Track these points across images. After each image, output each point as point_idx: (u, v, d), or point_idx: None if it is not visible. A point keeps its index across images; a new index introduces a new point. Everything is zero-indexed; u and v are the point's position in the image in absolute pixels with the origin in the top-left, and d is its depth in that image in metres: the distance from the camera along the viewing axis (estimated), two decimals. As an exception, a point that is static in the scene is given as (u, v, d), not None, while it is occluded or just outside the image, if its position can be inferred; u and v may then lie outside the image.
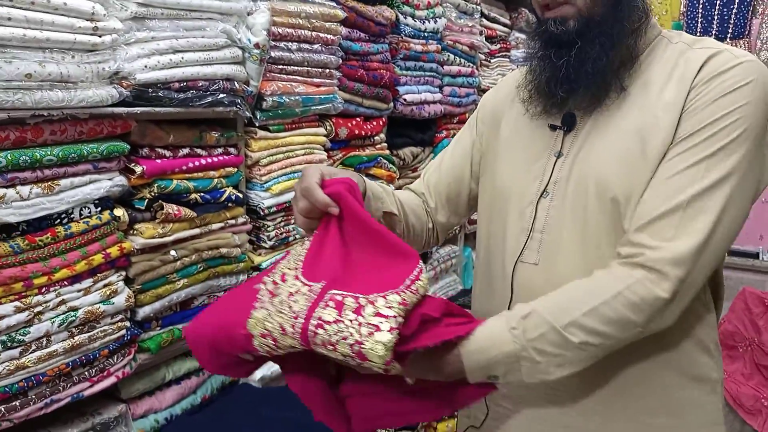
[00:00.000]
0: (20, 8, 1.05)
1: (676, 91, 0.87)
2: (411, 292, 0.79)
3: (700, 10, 4.01)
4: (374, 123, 2.03)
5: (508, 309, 0.94)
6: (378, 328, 0.73)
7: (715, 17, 3.97)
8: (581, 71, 0.88)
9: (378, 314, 0.75)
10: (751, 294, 2.74)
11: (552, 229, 0.94)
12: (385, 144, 2.13)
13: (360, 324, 0.74)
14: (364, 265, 0.84)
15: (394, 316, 0.74)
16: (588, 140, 0.92)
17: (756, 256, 3.20)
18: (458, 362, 0.83)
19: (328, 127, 1.85)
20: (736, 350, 2.75)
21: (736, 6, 3.89)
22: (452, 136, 2.50)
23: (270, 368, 1.77)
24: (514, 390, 0.98)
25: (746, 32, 3.90)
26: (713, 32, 3.97)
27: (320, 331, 0.75)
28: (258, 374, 1.74)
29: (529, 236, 0.96)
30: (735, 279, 3.13)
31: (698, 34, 3.47)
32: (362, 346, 0.73)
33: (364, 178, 1.00)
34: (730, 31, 3.93)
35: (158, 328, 1.44)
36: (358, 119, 1.96)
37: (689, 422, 0.94)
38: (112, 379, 1.33)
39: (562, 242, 0.92)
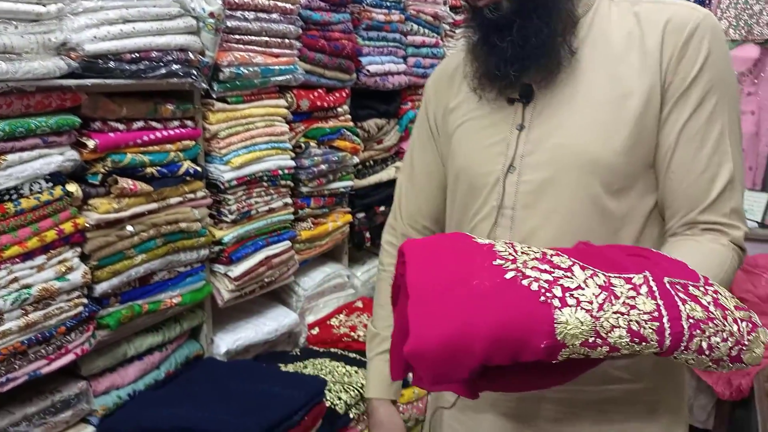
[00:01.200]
0: (-46, -25, 1.00)
1: (640, 55, 0.87)
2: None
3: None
4: (337, 94, 2.01)
5: None
6: (754, 324, 0.62)
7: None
8: (527, 47, 0.87)
9: (738, 307, 0.64)
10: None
11: (522, 205, 0.92)
12: (349, 116, 2.11)
13: (735, 320, 0.62)
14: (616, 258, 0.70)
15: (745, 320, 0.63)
16: (550, 110, 0.91)
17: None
18: None
19: (289, 99, 1.82)
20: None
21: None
22: (417, 108, 2.49)
23: (235, 341, 1.77)
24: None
25: None
26: None
27: (697, 332, 0.60)
28: (223, 347, 1.74)
29: (499, 213, 0.94)
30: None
31: None
32: (743, 348, 0.61)
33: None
34: None
35: (117, 305, 1.42)
36: (320, 91, 1.94)
37: (657, 386, 0.95)
38: (70, 357, 1.31)
39: (535, 217, 0.91)
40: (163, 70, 1.37)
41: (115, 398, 1.45)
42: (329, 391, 1.73)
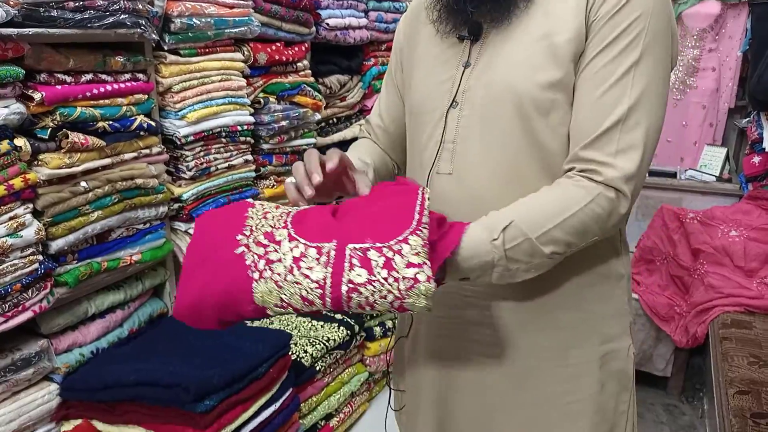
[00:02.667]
0: None
1: None
2: (425, 226, 0.76)
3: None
4: (296, 48, 1.98)
5: None
6: (416, 280, 0.71)
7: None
8: None
9: (410, 264, 0.72)
10: (668, 211, 2.91)
11: (462, 138, 0.95)
12: (309, 71, 2.08)
13: (396, 279, 0.71)
14: (361, 210, 0.81)
15: (425, 263, 0.72)
16: (494, 48, 0.93)
17: (674, 175, 3.37)
18: (440, 270, 0.84)
19: (246, 53, 1.79)
20: (654, 264, 2.93)
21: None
22: (381, 64, 2.47)
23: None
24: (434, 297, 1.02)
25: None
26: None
27: (354, 295, 0.71)
28: (187, 305, 1.74)
29: (440, 147, 0.98)
30: (655, 198, 3.29)
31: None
32: (404, 301, 0.71)
33: (348, 155, 1.01)
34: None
35: (75, 262, 1.40)
36: (278, 44, 1.91)
37: (593, 315, 1.00)
38: (28, 314, 1.30)
39: (473, 151, 0.95)
40: (110, 20, 1.33)
41: (77, 356, 1.45)
42: (295, 344, 1.75)
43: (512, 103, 0.90)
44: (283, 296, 0.72)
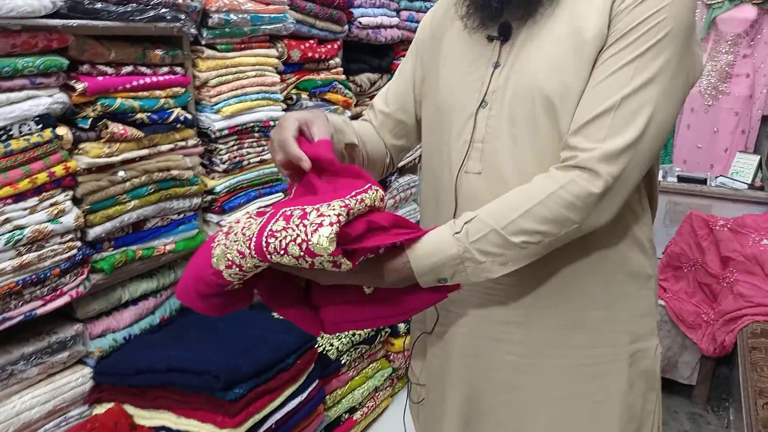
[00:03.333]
0: None
1: None
2: (356, 200, 0.82)
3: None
4: (328, 46, 2.00)
5: (454, 218, 0.98)
6: (321, 225, 0.78)
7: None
8: None
9: (321, 215, 0.79)
10: (697, 217, 2.87)
11: (491, 138, 0.96)
12: (341, 69, 2.10)
13: (305, 225, 0.79)
14: (323, 193, 0.88)
15: (337, 215, 0.79)
16: (524, 49, 0.94)
17: (704, 182, 3.32)
18: (408, 269, 0.87)
19: (280, 49, 1.81)
20: (681, 270, 2.89)
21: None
22: (410, 63, 2.48)
23: (228, 290, 1.80)
24: (458, 293, 1.03)
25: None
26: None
27: (271, 240, 0.80)
28: (216, 296, 1.77)
29: (470, 146, 0.98)
30: (684, 204, 3.24)
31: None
32: (309, 242, 0.77)
33: (326, 112, 1.03)
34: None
35: (111, 249, 1.44)
36: (312, 42, 1.93)
37: (621, 314, 1.00)
38: (65, 299, 1.34)
39: (503, 150, 0.95)
40: (151, 13, 1.37)
41: (111, 341, 1.48)
42: (321, 337, 1.77)
43: (540, 103, 0.91)
44: (228, 254, 0.83)
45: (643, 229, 1.00)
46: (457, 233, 0.87)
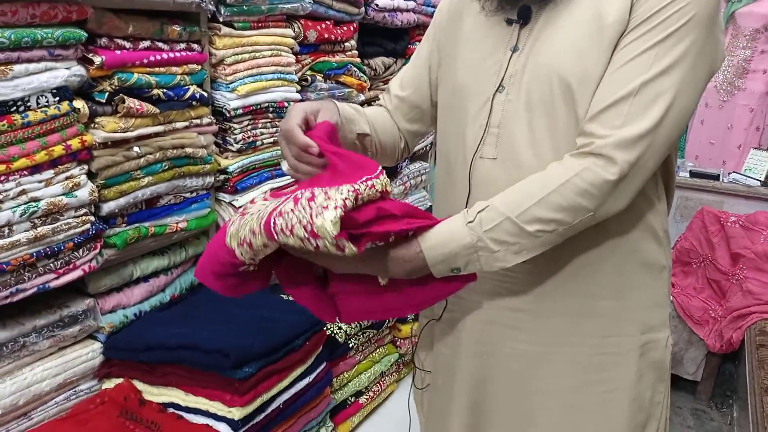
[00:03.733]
0: None
1: None
2: (366, 185, 0.82)
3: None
4: (345, 28, 1.98)
5: (467, 204, 0.97)
6: (326, 208, 0.79)
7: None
8: None
9: (327, 198, 0.80)
10: (708, 213, 2.85)
11: (508, 123, 0.95)
12: (356, 51, 2.08)
13: (311, 207, 0.80)
14: (337, 177, 0.87)
15: (344, 199, 0.79)
16: (543, 32, 0.92)
17: (717, 177, 3.29)
18: (421, 258, 0.87)
19: (297, 29, 1.80)
20: (691, 266, 2.88)
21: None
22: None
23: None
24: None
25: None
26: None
27: (278, 219, 0.81)
28: (226, 276, 1.77)
29: (486, 131, 0.97)
30: (695, 200, 3.22)
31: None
32: (313, 225, 0.78)
33: (336, 102, 1.02)
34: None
35: (124, 225, 1.44)
36: (328, 23, 1.91)
37: (633, 304, 0.99)
38: (78, 272, 1.34)
39: (519, 136, 0.94)
40: (170, -12, 1.35)
41: (121, 317, 1.48)
42: (330, 321, 1.77)
43: (559, 88, 0.89)
44: (240, 232, 0.84)
45: (658, 218, 0.99)
46: (470, 222, 0.87)
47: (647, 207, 0.97)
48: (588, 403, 1.01)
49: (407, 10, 2.27)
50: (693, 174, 3.31)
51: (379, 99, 1.23)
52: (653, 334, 1.02)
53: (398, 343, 2.04)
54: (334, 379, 1.74)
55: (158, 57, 1.40)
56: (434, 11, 2.42)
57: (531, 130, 0.93)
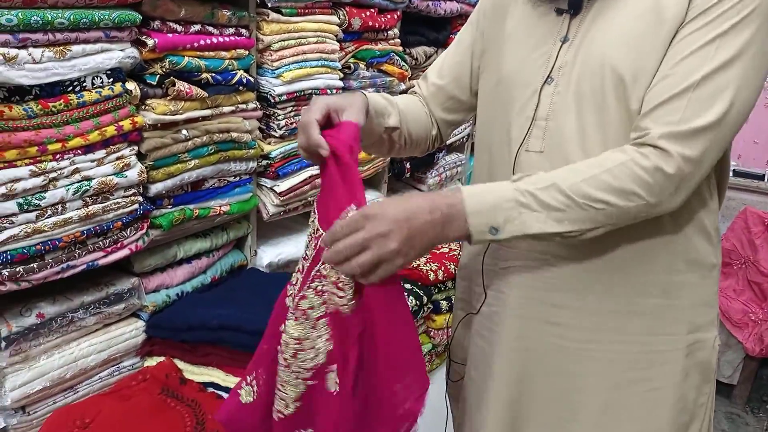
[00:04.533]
0: None
1: None
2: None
3: None
4: (388, 16, 1.97)
5: None
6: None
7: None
8: None
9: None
10: (752, 214, 2.78)
11: (556, 115, 0.92)
12: (399, 40, 2.07)
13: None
14: (337, 197, 0.87)
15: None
16: (595, 23, 0.90)
17: (762, 177, 3.20)
18: (460, 204, 0.82)
19: (342, 16, 1.79)
20: (731, 267, 2.81)
21: None
22: (466, 39, 2.43)
23: (278, 255, 1.82)
24: (508, 274, 1.01)
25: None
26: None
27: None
28: (266, 260, 1.79)
29: (532, 124, 0.95)
30: (738, 200, 3.14)
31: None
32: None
33: (367, 94, 0.99)
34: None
35: (170, 206, 1.46)
36: (372, 11, 1.90)
37: (682, 303, 0.97)
38: (125, 251, 1.37)
39: (568, 129, 0.92)
40: (223, -28, 1.36)
41: (164, 296, 1.51)
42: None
43: (611, 81, 0.86)
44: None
45: (710, 216, 0.96)
46: (515, 180, 0.84)
47: (699, 204, 0.94)
48: (631, 402, 1.00)
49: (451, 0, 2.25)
50: (736, 173, 3.23)
51: (413, 86, 1.22)
52: (700, 333, 1.00)
53: (432, 333, 2.04)
54: (369, 367, 1.74)
55: (208, 41, 1.41)
56: (476, 1, 2.40)
57: (580, 123, 0.90)
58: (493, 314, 1.06)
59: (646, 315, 0.96)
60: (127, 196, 1.33)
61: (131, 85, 1.30)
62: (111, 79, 1.25)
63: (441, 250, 2.11)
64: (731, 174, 3.22)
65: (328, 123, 0.89)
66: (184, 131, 1.41)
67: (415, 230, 0.81)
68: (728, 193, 3.29)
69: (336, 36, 1.79)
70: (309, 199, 1.84)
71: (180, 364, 1.48)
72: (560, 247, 0.94)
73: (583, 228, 0.84)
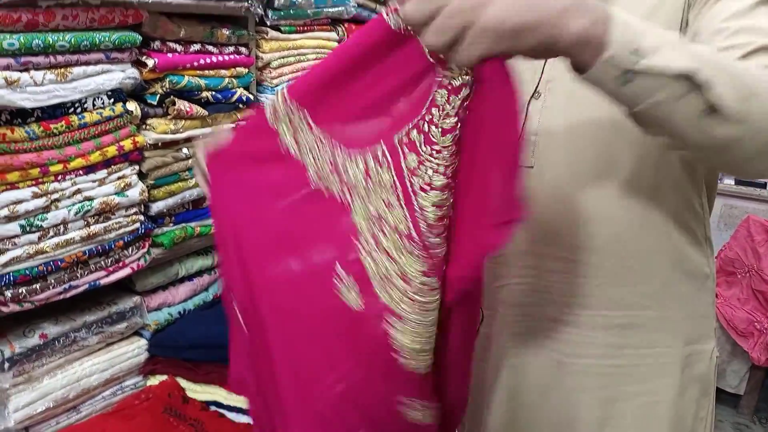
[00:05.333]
0: None
1: None
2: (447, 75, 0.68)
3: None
4: (387, 32, 1.98)
5: None
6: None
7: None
8: None
9: (444, 131, 0.69)
10: (754, 222, 2.77)
11: (546, 131, 0.91)
12: (397, 55, 2.08)
13: (439, 151, 0.70)
14: (371, 88, 0.74)
15: (458, 121, 0.68)
16: None
17: (764, 186, 3.20)
18: (603, 13, 0.61)
19: (340, 32, 1.81)
20: (735, 276, 2.80)
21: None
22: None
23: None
24: (503, 292, 1.01)
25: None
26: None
27: (414, 178, 0.70)
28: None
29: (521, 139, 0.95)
30: (740, 208, 3.14)
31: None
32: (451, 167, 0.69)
33: None
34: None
35: (171, 225, 1.46)
36: (371, 27, 1.92)
37: (677, 315, 0.95)
38: (127, 270, 1.37)
39: (558, 144, 0.90)
40: (221, -8, 1.38)
41: (166, 315, 1.51)
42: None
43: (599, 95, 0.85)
44: (370, 207, 0.73)
45: (700, 225, 0.95)
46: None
47: (690, 214, 0.93)
48: (627, 416, 0.98)
49: (449, 14, 2.26)
50: (739, 182, 3.23)
51: None
52: (698, 345, 0.98)
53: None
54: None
55: (208, 60, 1.42)
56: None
57: (571, 137, 0.89)
58: (488, 334, 1.05)
59: (641, 328, 0.95)
60: (128, 216, 1.34)
61: (132, 105, 1.30)
62: (112, 100, 1.26)
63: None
64: (733, 183, 3.23)
65: None
66: (185, 150, 1.42)
67: None
68: (731, 202, 3.29)
69: (335, 52, 1.80)
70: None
71: (183, 382, 1.47)
72: (554, 262, 0.94)
73: (733, 106, 0.62)
